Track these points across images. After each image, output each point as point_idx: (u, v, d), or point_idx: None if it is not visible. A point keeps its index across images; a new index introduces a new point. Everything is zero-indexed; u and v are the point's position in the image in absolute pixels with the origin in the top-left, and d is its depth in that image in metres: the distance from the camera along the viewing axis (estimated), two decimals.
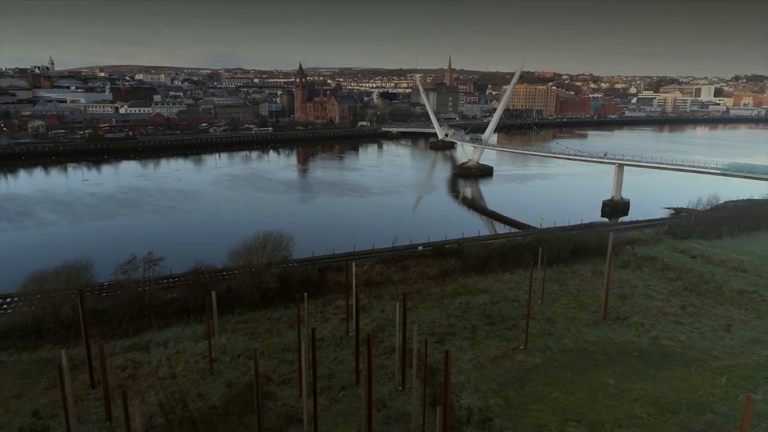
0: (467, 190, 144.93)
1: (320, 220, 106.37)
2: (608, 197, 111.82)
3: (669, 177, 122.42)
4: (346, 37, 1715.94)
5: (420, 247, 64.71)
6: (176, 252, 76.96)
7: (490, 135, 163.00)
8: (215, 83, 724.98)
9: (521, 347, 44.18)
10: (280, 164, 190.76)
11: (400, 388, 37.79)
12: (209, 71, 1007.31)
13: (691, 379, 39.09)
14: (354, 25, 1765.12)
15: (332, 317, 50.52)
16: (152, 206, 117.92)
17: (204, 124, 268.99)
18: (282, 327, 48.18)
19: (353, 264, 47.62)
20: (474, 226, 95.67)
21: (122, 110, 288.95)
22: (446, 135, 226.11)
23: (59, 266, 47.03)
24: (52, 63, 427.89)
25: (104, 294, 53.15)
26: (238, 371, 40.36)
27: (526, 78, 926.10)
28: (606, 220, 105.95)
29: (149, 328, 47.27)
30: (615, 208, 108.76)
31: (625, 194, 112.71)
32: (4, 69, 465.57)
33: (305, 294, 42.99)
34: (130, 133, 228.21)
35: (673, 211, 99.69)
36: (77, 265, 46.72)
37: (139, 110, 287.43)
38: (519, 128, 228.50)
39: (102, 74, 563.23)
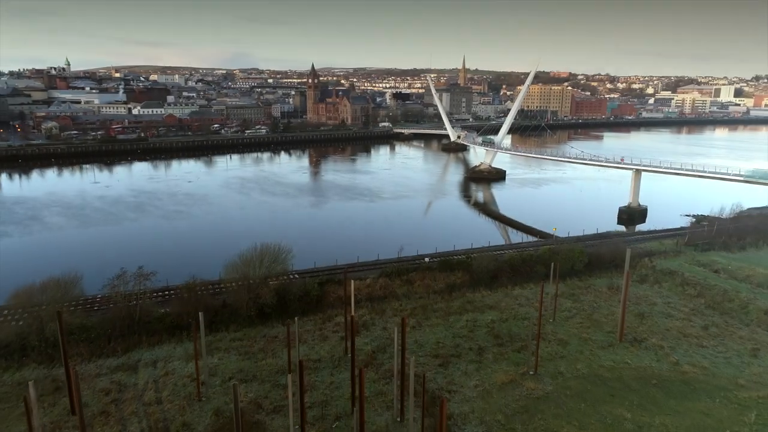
0: (479, 195, 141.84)
1: (326, 227, 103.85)
2: (625, 204, 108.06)
3: (688, 182, 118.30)
4: (361, 37, 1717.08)
5: (426, 259, 62.03)
6: (175, 261, 75.34)
7: (503, 138, 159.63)
8: (229, 83, 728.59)
9: (531, 372, 41.29)
10: (290, 167, 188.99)
11: (398, 419, 35.17)
12: (224, 71, 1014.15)
13: (716, 413, 35.94)
14: (369, 25, 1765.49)
15: (331, 335, 48.01)
16: (159, 210, 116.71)
17: (216, 125, 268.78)
18: (278, 346, 45.77)
19: (351, 282, 44.97)
20: (484, 234, 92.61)
21: (135, 111, 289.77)
22: (458, 137, 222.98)
23: (47, 279, 45.12)
24: (69, 64, 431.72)
25: (96, 307, 51.27)
26: (228, 397, 37.98)
27: (541, 78, 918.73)
28: (622, 228, 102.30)
29: (139, 345, 45.15)
30: (632, 215, 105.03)
31: (643, 200, 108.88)
32: (21, 70, 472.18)
33: (296, 318, 40.55)
34: (142, 135, 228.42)
35: (693, 219, 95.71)
36: (65, 279, 44.75)
37: (152, 111, 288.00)
38: (533, 130, 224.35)
39: (117, 75, 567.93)
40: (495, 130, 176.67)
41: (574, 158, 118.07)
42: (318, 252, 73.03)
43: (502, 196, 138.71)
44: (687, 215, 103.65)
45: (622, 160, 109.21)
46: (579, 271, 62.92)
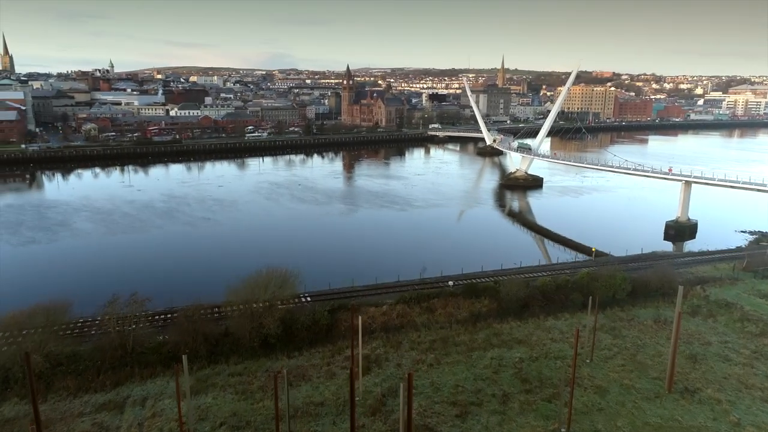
0: (513, 205, 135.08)
1: (348, 240, 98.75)
2: (673, 218, 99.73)
3: (745, 194, 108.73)
4: (399, 37, 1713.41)
5: (450, 283, 56.76)
6: (186, 278, 72.48)
7: (540, 143, 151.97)
8: (268, 84, 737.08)
9: (563, 429, 35.75)
10: (322, 171, 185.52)
11: None
12: (264, 72, 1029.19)
13: None
14: (407, 25, 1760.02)
15: (339, 372, 43.48)
16: (187, 217, 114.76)
17: (250, 127, 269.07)
18: (280, 383, 41.54)
19: (359, 317, 40.26)
20: (516, 251, 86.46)
21: (172, 113, 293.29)
22: (494, 141, 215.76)
23: (35, 305, 42.18)
24: (112, 66, 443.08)
25: (93, 331, 48.25)
26: None
27: (584, 78, 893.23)
28: (669, 245, 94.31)
29: (131, 378, 41.69)
30: (680, 231, 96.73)
31: (693, 214, 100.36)
32: (69, 72, 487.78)
33: (284, 371, 36.15)
34: (177, 137, 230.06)
35: (751, 238, 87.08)
36: (54, 305, 41.67)
37: (188, 113, 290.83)
38: (574, 133, 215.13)
39: (159, 76, 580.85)
40: (533, 133, 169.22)
41: (617, 168, 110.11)
42: (336, 269, 68.97)
43: (539, 206, 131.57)
44: (743, 232, 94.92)
45: (670, 170, 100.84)
46: (621, 300, 56.50)
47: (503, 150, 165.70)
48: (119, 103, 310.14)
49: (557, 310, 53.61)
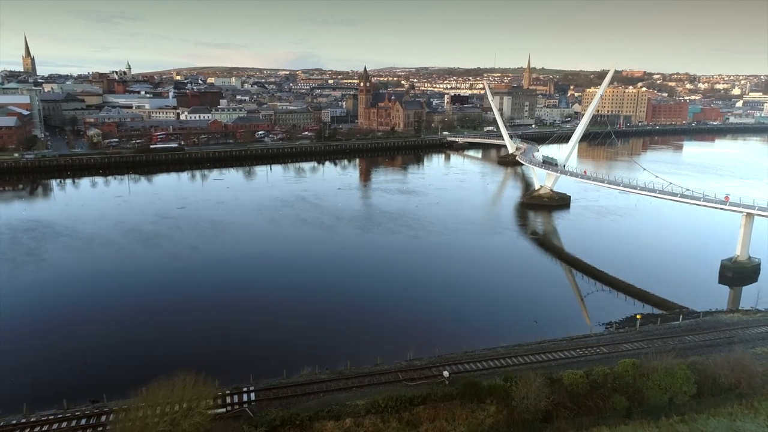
0: (537, 227, 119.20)
1: (331, 288, 79.67)
2: (730, 256, 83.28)
3: None
4: (424, 36, 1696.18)
5: (446, 373, 42.11)
6: (129, 355, 59.11)
7: (568, 157, 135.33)
8: (290, 84, 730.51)
9: None
10: (333, 183, 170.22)
11: None
12: (287, 72, 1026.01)
13: None
14: (432, 24, 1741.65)
15: None
16: (174, 245, 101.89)
17: (260, 132, 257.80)
18: None
19: None
20: (535, 308, 71.22)
21: (183, 117, 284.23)
22: (516, 149, 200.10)
23: None
24: (129, 67, 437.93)
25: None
26: None
27: (614, 78, 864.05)
28: (726, 291, 78.11)
29: None
30: (740, 273, 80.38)
31: (754, 251, 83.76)
32: (89, 73, 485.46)
33: None
34: (182, 143, 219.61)
35: None
36: None
37: (199, 117, 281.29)
38: (603, 138, 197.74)
39: (178, 77, 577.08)
40: (564, 138, 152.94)
41: (660, 193, 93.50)
42: (299, 343, 55.23)
43: (565, 232, 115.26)
44: None
45: (727, 198, 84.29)
46: (682, 405, 41.36)
47: (526, 164, 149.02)
48: (130, 107, 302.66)
49: (591, 422, 38.73)
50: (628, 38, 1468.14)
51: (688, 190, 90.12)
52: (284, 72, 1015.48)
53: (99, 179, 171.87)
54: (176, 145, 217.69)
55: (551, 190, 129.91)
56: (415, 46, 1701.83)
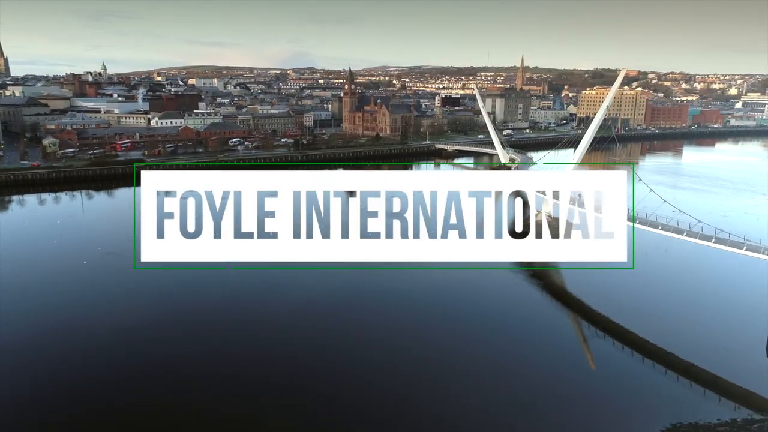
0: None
1: None
2: None
3: None
4: (419, 34, 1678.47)
5: None
6: None
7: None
8: (280, 84, 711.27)
9: None
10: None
11: None
12: (278, 71, 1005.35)
13: None
14: (426, 22, 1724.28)
15: None
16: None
17: (235, 140, 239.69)
18: None
19: None
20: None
21: (153, 122, 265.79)
22: (511, 160, 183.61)
23: None
24: (105, 68, 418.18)
25: None
26: None
27: (607, 77, 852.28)
28: None
29: None
30: None
31: None
32: (65, 75, 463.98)
33: None
34: (146, 153, 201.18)
35: None
36: None
37: (170, 123, 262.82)
38: (601, 143, 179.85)
39: (159, 78, 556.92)
40: (572, 143, 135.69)
41: (695, 236, 74.58)
42: None
43: (569, 276, 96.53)
44: None
45: None
46: None
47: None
48: (99, 111, 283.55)
49: None
50: (621, 36, 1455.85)
51: (719, 229, 73.13)
52: (275, 71, 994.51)
53: (48, 196, 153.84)
54: (140, 155, 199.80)
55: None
56: (408, 44, 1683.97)
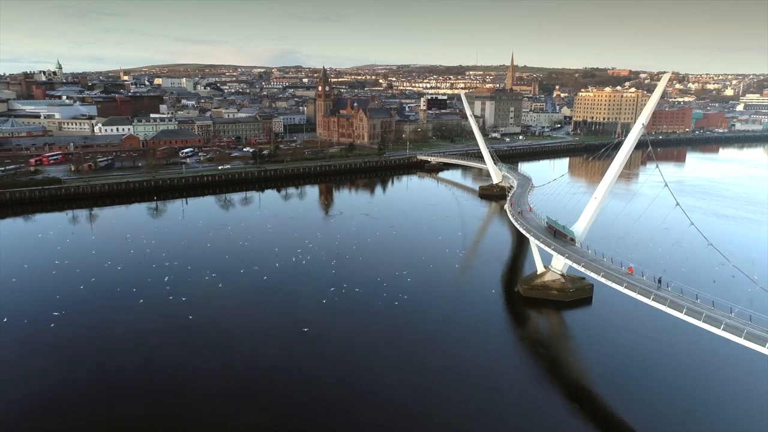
0: (541, 338, 72.24)
1: None
2: None
3: None
4: (408, 33, 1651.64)
5: None
6: None
7: (590, 222, 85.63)
8: (263, 83, 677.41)
9: None
10: (255, 237, 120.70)
11: None
12: (263, 70, 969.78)
13: None
14: (415, 20, 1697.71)
15: None
16: None
17: (187, 150, 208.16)
18: None
19: None
20: None
21: (96, 130, 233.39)
22: (504, 178, 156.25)
23: None
24: (60, 67, 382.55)
25: None
26: None
27: (598, 78, 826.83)
28: None
29: None
30: None
31: None
32: (6, 75, 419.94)
33: None
34: (72, 169, 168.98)
35: None
36: None
37: (116, 129, 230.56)
38: (599, 150, 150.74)
39: (126, 78, 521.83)
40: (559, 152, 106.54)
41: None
42: None
43: (587, 348, 68.76)
44: None
45: None
46: None
47: (517, 226, 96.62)
48: (38, 116, 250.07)
49: None
50: (612, 35, 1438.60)
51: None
52: (259, 70, 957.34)
53: None
54: (65, 171, 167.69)
55: (562, 274, 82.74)
56: (396, 43, 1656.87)
